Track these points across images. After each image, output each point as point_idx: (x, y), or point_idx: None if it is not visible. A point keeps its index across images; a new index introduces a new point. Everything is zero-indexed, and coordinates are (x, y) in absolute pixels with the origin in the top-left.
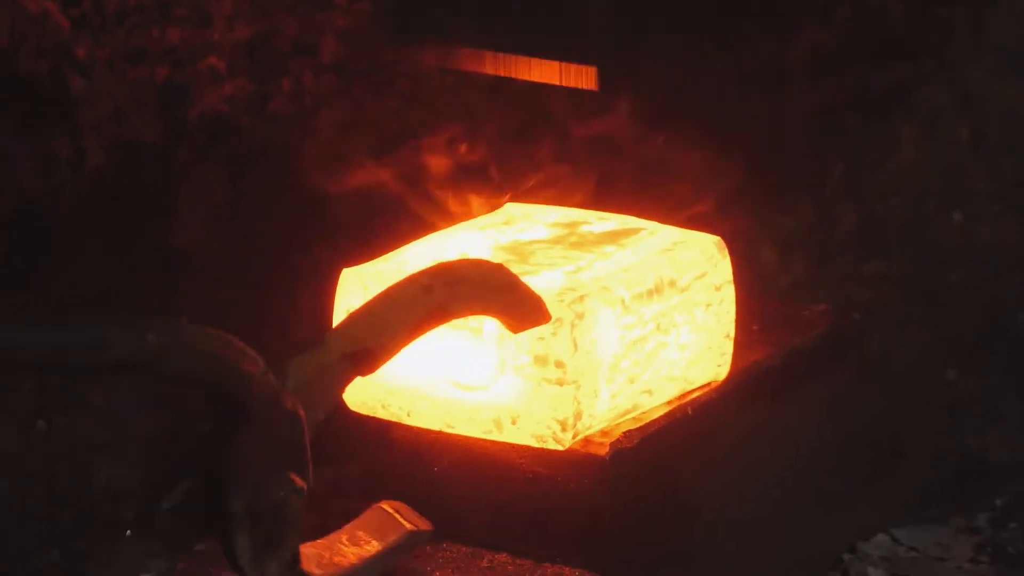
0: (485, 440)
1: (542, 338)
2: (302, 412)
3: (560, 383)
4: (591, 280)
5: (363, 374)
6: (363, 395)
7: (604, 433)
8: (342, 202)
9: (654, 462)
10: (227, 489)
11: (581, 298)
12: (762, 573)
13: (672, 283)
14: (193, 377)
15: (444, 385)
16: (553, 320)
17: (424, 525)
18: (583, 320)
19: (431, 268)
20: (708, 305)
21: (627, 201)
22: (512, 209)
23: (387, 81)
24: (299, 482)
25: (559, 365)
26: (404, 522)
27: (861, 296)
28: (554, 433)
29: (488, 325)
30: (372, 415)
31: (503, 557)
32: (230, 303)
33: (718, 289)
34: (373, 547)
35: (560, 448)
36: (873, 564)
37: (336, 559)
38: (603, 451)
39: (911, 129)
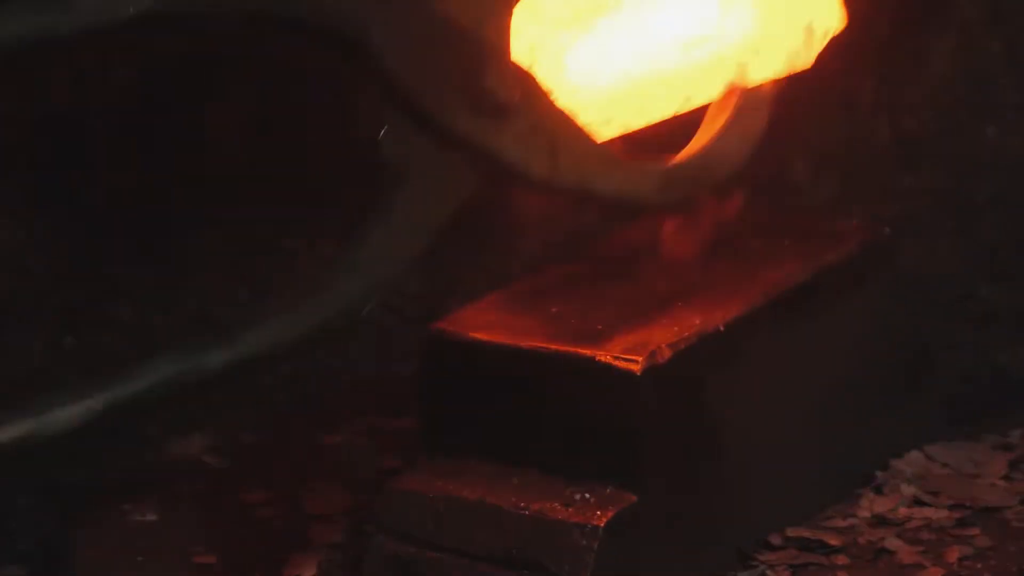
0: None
1: None
2: None
3: None
4: None
5: None
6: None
7: (637, 346)
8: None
9: (686, 378)
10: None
11: None
12: (795, 489)
13: None
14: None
15: (672, 53)
16: None
17: None
18: None
19: None
20: None
21: None
22: None
23: None
24: None
25: None
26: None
27: (893, 210)
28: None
29: None
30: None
31: (533, 474)
32: (258, 209)
33: None
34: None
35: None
36: (906, 481)
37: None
38: (635, 367)
39: (944, 41)
